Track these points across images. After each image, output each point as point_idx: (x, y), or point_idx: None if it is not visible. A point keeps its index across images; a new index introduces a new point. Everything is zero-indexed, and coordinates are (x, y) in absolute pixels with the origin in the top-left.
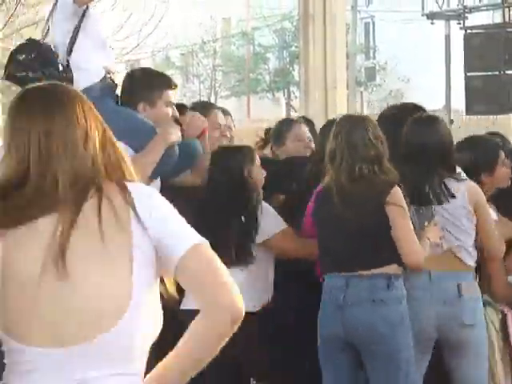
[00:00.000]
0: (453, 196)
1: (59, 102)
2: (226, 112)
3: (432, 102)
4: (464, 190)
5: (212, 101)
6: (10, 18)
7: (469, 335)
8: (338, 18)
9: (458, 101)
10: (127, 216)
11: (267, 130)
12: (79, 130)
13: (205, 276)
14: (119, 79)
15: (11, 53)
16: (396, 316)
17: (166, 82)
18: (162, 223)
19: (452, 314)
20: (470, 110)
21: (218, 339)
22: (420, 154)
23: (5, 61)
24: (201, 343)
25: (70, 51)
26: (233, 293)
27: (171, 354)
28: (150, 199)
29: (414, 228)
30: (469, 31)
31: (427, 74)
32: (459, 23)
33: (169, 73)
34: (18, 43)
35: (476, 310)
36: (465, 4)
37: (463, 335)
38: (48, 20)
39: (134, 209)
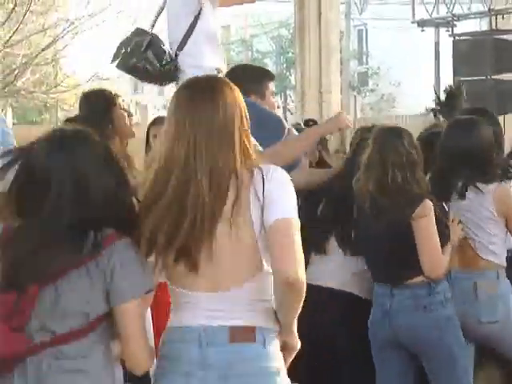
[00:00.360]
0: (476, 195)
1: (218, 91)
2: None
3: (422, 106)
4: (491, 191)
5: None
6: (19, 25)
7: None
8: (332, 26)
9: None
10: (254, 198)
11: None
12: (227, 116)
13: (277, 244)
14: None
15: (123, 42)
16: (440, 319)
17: (268, 74)
18: (274, 204)
19: (470, 312)
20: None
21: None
22: (452, 155)
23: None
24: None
25: (182, 47)
26: (295, 263)
27: None
28: (274, 183)
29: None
30: (457, 38)
31: (418, 78)
32: (448, 30)
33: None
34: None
35: (496, 307)
36: (453, 12)
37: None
38: (159, 12)
39: (259, 192)
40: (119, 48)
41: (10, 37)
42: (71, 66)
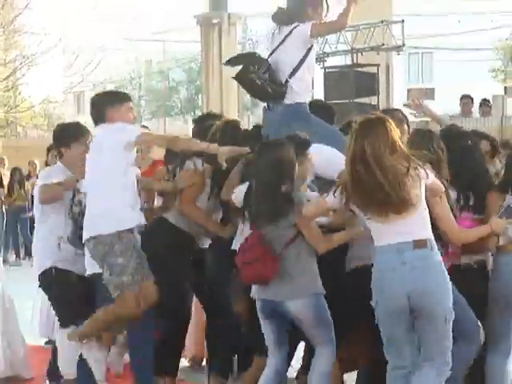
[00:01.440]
0: None
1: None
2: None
3: None
4: None
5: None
6: None
7: None
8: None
9: None
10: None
11: None
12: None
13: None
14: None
15: (242, 56)
16: None
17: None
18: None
19: None
20: None
21: None
22: None
23: None
24: None
25: (294, 73)
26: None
27: None
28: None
29: None
30: (327, 70)
31: None
32: (320, 64)
33: None
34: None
35: None
36: (324, 50)
37: None
38: (279, 43)
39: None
40: (238, 59)
41: None
42: (27, 91)
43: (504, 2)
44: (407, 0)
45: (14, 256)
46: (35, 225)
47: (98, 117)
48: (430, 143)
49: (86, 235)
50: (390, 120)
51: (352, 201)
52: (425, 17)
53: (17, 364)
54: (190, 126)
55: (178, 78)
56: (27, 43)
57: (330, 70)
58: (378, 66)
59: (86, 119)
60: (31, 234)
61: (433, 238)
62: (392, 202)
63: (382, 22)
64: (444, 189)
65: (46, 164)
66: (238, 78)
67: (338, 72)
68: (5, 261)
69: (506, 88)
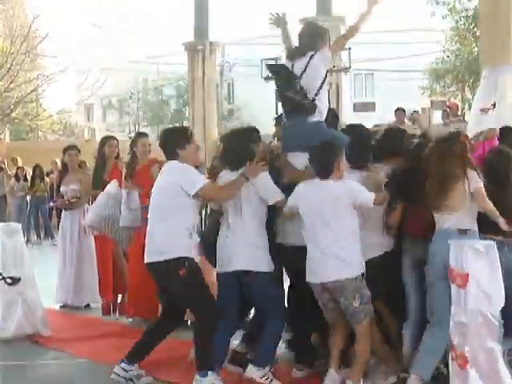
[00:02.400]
0: None
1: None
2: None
3: (267, 131)
4: None
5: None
6: (14, 77)
7: None
8: (212, 81)
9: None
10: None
11: None
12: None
13: None
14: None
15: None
16: None
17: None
18: None
19: None
20: None
21: None
22: None
23: None
24: None
25: (317, 93)
26: None
27: None
28: None
29: None
30: None
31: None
32: None
33: (110, 112)
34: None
35: None
36: None
37: None
38: (302, 70)
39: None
40: (277, 75)
41: (8, 85)
42: (46, 103)
43: (429, 34)
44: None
45: (36, 237)
46: (158, 217)
47: None
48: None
49: None
50: None
51: None
52: (366, 44)
53: (36, 323)
54: None
55: (169, 93)
56: (47, 65)
57: None
58: (329, 84)
59: (94, 126)
60: (50, 219)
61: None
62: None
63: None
64: None
65: (63, 162)
66: (280, 93)
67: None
68: (28, 240)
69: (431, 102)
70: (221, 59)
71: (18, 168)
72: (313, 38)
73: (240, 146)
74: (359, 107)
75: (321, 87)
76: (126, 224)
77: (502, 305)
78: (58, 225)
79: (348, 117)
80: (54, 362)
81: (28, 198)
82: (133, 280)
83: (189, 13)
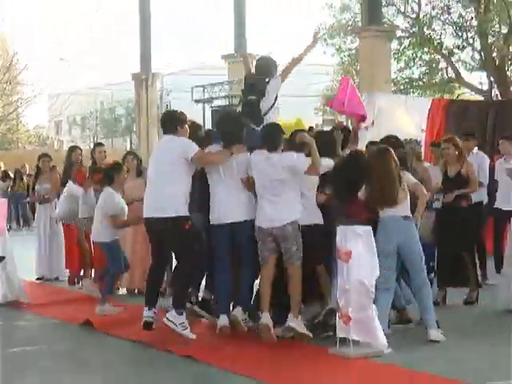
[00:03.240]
0: None
1: None
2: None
3: None
4: None
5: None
6: None
7: None
8: (153, 103)
9: None
10: None
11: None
12: None
13: None
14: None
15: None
16: None
17: None
18: None
19: None
20: None
21: None
22: None
23: None
24: None
25: (267, 113)
26: None
27: None
28: None
29: None
30: (213, 109)
31: None
32: (209, 105)
33: (74, 127)
34: None
35: None
36: (211, 96)
37: None
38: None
39: None
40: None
41: None
42: (25, 120)
43: (322, 68)
44: None
45: (16, 225)
46: (166, 179)
47: None
48: None
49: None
50: None
51: None
52: None
53: (15, 292)
54: (128, 144)
55: (121, 112)
56: (25, 91)
57: (214, 108)
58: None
59: (62, 138)
60: (27, 211)
61: None
62: None
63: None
64: None
65: (37, 167)
66: (251, 102)
67: (219, 110)
68: (10, 228)
69: (323, 120)
70: (160, 86)
71: (3, 171)
72: (269, 68)
73: (236, 130)
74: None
75: (271, 108)
76: (85, 215)
77: (377, 276)
78: (34, 215)
79: None
80: (31, 323)
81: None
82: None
83: (136, 50)
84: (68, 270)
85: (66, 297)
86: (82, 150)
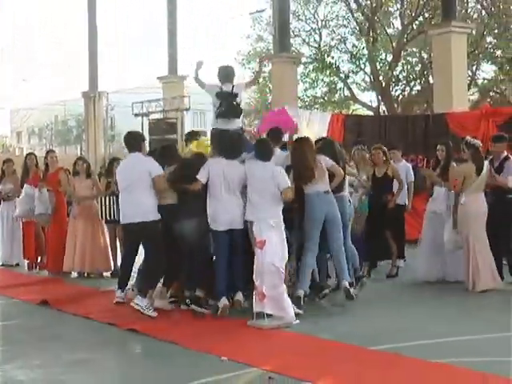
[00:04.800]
0: None
1: None
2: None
3: None
4: None
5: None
6: None
7: None
8: (100, 116)
9: None
10: None
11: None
12: None
13: None
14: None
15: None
16: None
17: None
18: None
19: None
20: None
21: None
22: None
23: None
24: None
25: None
26: None
27: None
28: None
29: None
30: (151, 121)
31: None
32: (147, 117)
33: (33, 137)
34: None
35: None
36: (149, 110)
37: None
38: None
39: None
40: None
41: None
42: None
43: None
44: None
45: None
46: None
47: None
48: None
49: None
50: None
51: None
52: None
53: None
54: (78, 151)
55: (72, 124)
56: None
57: (152, 121)
58: (176, 119)
59: (22, 146)
60: None
61: None
62: None
63: (176, 97)
64: None
65: (2, 170)
66: (233, 96)
67: (157, 122)
68: None
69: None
70: (106, 103)
71: None
72: (230, 76)
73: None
74: (195, 134)
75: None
76: (41, 211)
77: (286, 260)
78: None
79: None
80: None
81: None
82: (52, 245)
83: (84, 69)
84: (26, 259)
85: (26, 280)
86: (36, 156)
